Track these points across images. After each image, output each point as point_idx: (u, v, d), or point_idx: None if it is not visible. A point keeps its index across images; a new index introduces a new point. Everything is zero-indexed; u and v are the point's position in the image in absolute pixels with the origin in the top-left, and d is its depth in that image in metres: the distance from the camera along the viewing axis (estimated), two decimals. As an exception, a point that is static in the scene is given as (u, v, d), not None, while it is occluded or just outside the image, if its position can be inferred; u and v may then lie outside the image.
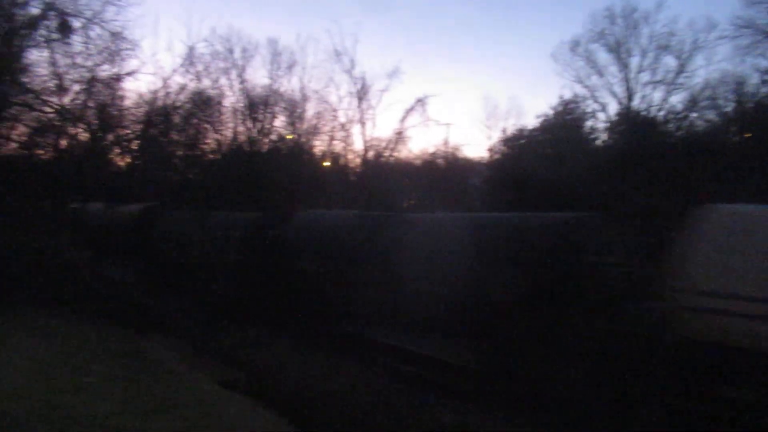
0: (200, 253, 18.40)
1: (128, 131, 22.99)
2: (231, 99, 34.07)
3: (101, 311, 13.77)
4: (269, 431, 7.74)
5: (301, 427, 8.30)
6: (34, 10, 17.89)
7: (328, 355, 11.83)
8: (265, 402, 9.16)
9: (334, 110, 37.09)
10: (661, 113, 33.42)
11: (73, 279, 15.56)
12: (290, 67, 37.58)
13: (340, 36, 43.59)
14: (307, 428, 8.45)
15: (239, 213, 19.36)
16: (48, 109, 18.89)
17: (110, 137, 22.50)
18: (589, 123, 36.68)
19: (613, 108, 35.65)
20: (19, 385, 7.02)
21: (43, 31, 18.25)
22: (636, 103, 34.65)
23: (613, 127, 35.48)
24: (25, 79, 18.39)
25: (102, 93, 20.83)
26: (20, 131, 19.37)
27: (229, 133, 33.94)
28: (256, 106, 33.57)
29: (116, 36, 19.27)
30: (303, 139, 35.94)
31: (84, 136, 21.49)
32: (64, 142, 20.53)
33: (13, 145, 19.19)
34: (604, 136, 36.15)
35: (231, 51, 35.30)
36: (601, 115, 36.17)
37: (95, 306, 13.95)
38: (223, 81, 33.37)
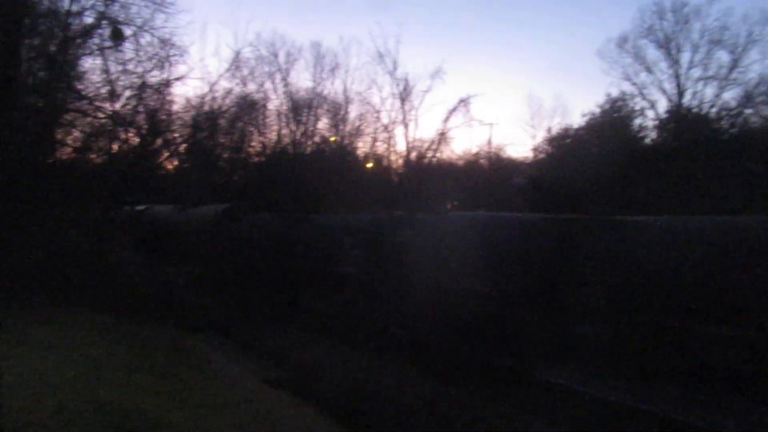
0: (296, 262, 16.17)
1: (176, 135, 23.58)
2: (275, 102, 34.70)
3: (152, 311, 14.10)
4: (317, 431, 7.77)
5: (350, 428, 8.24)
6: (88, 20, 18.52)
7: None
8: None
9: (377, 112, 37.25)
10: (714, 110, 32.34)
11: (125, 280, 16.00)
12: (333, 69, 38.01)
13: (383, 37, 43.94)
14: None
15: (353, 214, 17.22)
16: (101, 115, 19.53)
17: (159, 141, 23.10)
18: (637, 121, 35.87)
19: (663, 105, 34.72)
20: (74, 380, 7.23)
21: (96, 40, 18.89)
22: (687, 99, 33.67)
23: (662, 125, 34.55)
24: (80, 86, 19.06)
25: (152, 98, 21.43)
26: (74, 136, 20.11)
27: (273, 136, 34.53)
28: (300, 108, 34.05)
29: (165, 43, 19.82)
30: (346, 141, 36.21)
31: (134, 140, 22.15)
32: (115, 147, 21.18)
33: (68, 149, 19.92)
34: (653, 135, 35.26)
35: (275, 55, 35.93)
36: (650, 113, 35.31)
37: (147, 306, 14.30)
38: (267, 85, 34.04)
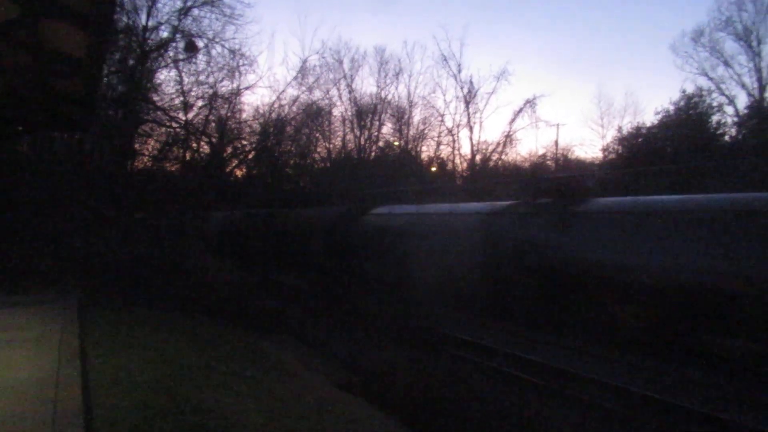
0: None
1: (245, 143, 24.27)
2: (340, 108, 35.19)
3: (225, 313, 14.49)
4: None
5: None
6: (163, 34, 19.38)
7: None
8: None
9: (441, 115, 37.11)
10: (800, 104, 30.46)
11: (200, 282, 16.53)
12: (397, 74, 38.21)
13: (447, 40, 43.89)
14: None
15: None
16: (175, 125, 20.36)
17: (229, 149, 23.84)
18: (715, 118, 34.11)
19: (743, 101, 33.03)
20: (154, 379, 7.49)
21: (171, 53, 19.74)
22: (769, 94, 31.85)
23: (743, 122, 32.77)
24: (156, 98, 19.95)
25: (222, 108, 22.18)
26: (150, 146, 21.05)
27: (338, 142, 35.02)
28: (364, 114, 34.35)
29: (235, 53, 20.50)
30: (410, 146, 36.24)
31: (206, 148, 22.95)
32: (188, 155, 22.02)
33: (145, 158, 20.87)
34: (732, 132, 33.48)
35: (340, 62, 36.46)
36: (729, 109, 33.59)
37: (220, 308, 14.72)
38: (332, 91, 34.56)
